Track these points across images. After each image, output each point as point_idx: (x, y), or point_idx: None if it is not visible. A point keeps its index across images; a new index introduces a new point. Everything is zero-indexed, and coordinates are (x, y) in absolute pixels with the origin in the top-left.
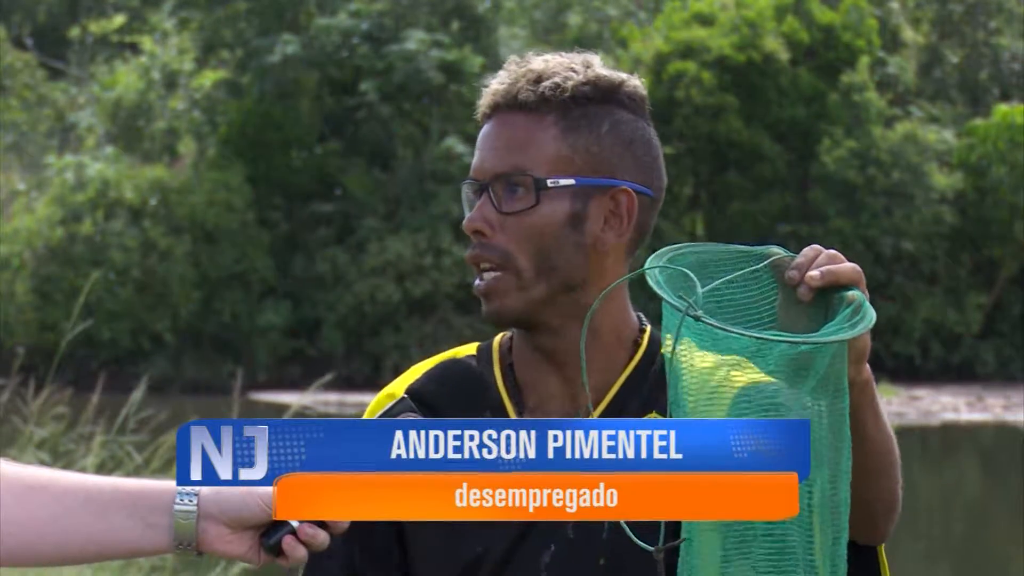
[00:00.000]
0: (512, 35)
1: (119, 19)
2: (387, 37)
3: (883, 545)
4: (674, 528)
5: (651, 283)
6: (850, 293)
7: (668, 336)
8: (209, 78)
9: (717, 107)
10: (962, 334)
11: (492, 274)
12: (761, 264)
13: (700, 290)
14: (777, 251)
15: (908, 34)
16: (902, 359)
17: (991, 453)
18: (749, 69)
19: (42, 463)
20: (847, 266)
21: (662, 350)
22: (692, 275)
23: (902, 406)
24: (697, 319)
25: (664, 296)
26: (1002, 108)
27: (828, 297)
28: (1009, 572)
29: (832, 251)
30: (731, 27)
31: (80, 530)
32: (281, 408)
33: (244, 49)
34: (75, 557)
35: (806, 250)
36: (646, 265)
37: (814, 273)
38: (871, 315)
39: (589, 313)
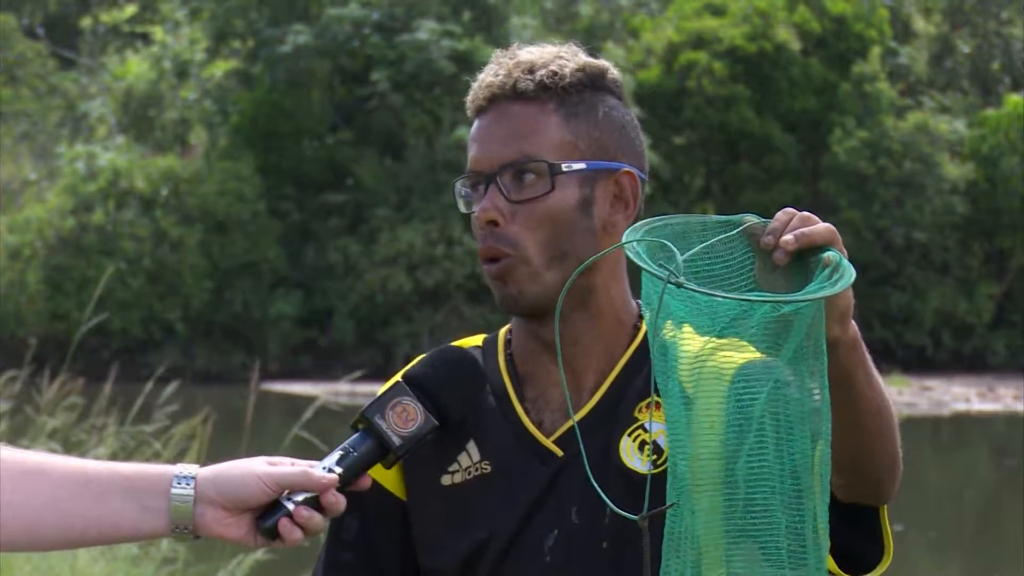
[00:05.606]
0: (523, 25)
1: (130, 8)
2: (398, 27)
3: (885, 507)
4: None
5: (630, 255)
6: (827, 255)
7: (649, 307)
8: (220, 68)
9: (728, 97)
10: (973, 324)
11: (505, 261)
12: (735, 231)
13: (680, 258)
14: (751, 218)
15: (919, 24)
16: (913, 349)
17: (1002, 443)
18: (760, 59)
19: (54, 453)
20: (821, 227)
21: (644, 322)
22: (671, 245)
23: (913, 396)
24: (679, 286)
25: (644, 266)
26: (1013, 98)
27: (806, 260)
28: (1020, 562)
29: (805, 213)
30: (742, 17)
31: (78, 514)
32: (294, 398)
33: (255, 39)
34: (74, 541)
35: (778, 214)
36: (623, 239)
37: (788, 237)
38: (851, 272)
39: (568, 283)
